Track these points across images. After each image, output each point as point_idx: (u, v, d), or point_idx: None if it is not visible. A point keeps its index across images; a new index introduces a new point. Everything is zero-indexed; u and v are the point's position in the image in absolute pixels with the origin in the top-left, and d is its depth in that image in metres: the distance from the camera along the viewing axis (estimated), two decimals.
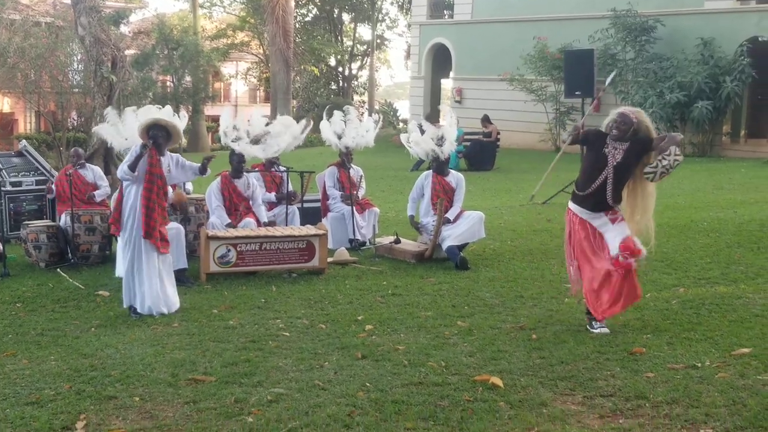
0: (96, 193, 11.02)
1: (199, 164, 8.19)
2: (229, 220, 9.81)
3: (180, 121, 8.35)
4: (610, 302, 6.39)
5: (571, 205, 6.65)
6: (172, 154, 8.08)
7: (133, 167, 7.62)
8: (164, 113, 8.23)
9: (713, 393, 4.92)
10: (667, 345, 5.99)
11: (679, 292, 7.71)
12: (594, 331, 6.42)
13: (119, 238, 7.83)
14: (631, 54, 23.47)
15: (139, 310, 7.66)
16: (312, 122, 11.23)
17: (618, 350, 5.90)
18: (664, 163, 6.17)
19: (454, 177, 10.19)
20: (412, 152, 10.68)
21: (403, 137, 10.90)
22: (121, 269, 8.39)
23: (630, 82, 23.40)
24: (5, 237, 11.10)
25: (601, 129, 6.56)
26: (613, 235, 6.39)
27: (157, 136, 7.76)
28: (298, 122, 10.80)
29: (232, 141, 10.15)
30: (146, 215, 7.65)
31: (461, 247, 9.72)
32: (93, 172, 11.31)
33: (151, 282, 7.69)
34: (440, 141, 10.17)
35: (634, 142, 6.34)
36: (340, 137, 11.08)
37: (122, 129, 9.21)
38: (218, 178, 10.10)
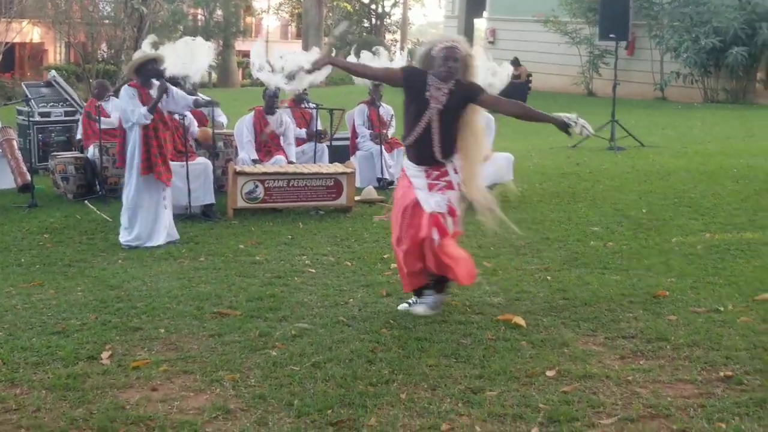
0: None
1: (198, 99, 8.21)
2: (256, 156, 9.81)
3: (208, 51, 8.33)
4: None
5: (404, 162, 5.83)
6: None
7: (153, 110, 7.65)
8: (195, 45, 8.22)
9: (734, 336, 4.90)
10: (691, 289, 5.97)
11: (705, 237, 7.65)
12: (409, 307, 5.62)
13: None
14: None
15: (147, 244, 7.70)
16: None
17: (641, 293, 5.89)
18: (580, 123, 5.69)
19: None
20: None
21: None
22: None
23: (665, 27, 22.95)
24: (33, 167, 11.18)
25: (416, 65, 5.60)
26: (426, 198, 5.57)
27: (159, 71, 7.76)
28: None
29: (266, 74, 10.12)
30: (145, 151, 7.69)
31: (488, 188, 9.65)
32: None
33: (158, 215, 7.78)
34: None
35: (459, 83, 5.42)
36: None
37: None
38: (251, 113, 10.08)
